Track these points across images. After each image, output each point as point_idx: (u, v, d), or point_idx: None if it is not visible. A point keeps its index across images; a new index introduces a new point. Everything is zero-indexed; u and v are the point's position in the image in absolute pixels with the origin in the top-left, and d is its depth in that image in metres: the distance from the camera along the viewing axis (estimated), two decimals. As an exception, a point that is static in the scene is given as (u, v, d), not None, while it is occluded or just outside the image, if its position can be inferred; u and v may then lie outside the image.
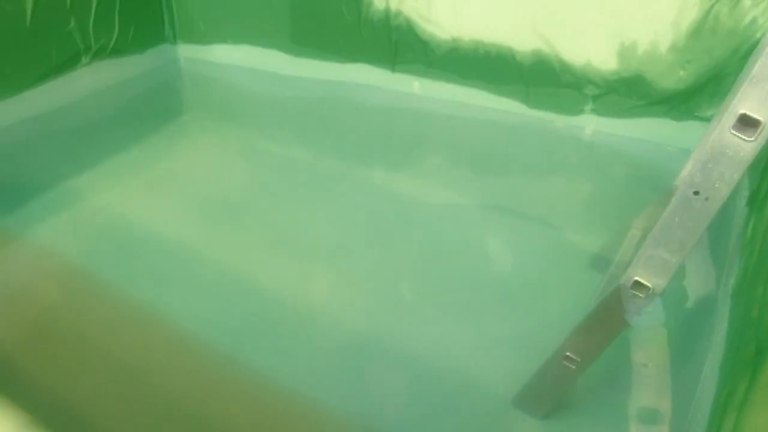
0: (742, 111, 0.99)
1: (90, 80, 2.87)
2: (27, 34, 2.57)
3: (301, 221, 2.07)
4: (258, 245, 1.96)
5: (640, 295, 1.20)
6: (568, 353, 1.36)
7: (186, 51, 3.22)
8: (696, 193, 1.06)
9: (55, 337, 1.62)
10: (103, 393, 1.47)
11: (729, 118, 1.00)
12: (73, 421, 1.33)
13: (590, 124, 2.44)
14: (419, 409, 1.43)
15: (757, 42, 2.07)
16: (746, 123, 0.99)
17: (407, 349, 1.57)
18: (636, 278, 1.18)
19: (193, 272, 1.84)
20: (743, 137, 1.00)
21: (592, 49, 2.33)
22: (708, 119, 2.22)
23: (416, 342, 1.58)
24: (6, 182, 2.30)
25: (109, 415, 1.41)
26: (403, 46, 2.66)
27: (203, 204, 2.16)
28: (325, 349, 1.58)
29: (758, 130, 0.99)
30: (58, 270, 1.87)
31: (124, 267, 1.87)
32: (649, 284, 1.18)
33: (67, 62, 2.77)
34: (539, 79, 2.45)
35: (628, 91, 2.33)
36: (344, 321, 1.66)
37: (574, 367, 1.35)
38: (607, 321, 1.32)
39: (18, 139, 2.54)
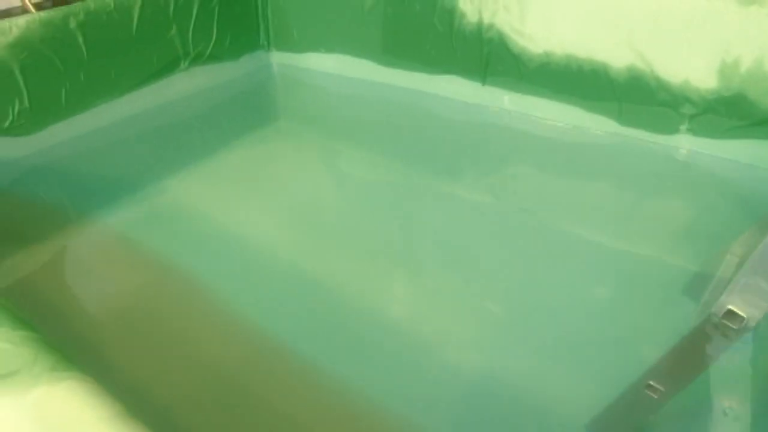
0: None
1: (187, 84, 2.99)
2: (132, 41, 2.71)
3: (383, 231, 2.07)
4: (338, 253, 1.97)
5: (733, 326, 1.14)
6: (651, 382, 1.31)
7: (279, 58, 3.30)
8: (801, 221, 1.00)
9: (133, 323, 1.70)
10: (175, 380, 1.52)
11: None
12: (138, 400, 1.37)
13: (685, 144, 2.35)
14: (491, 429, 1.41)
15: None
16: None
17: (483, 369, 1.55)
18: (729, 307, 1.13)
19: (272, 275, 1.87)
20: None
21: (691, 66, 2.25)
22: (815, 143, 2.11)
23: (493, 362, 1.56)
24: (106, 176, 2.42)
25: (177, 399, 1.47)
26: (494, 59, 2.64)
27: (287, 209, 2.20)
28: (397, 359, 1.58)
29: None
30: (143, 261, 1.95)
31: (204, 263, 1.92)
32: (743, 314, 1.12)
33: (167, 67, 2.90)
34: (633, 96, 2.38)
35: (728, 111, 2.23)
36: (421, 335, 1.65)
37: (656, 396, 1.30)
38: (696, 351, 1.27)
39: (119, 138, 2.68)
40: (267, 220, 2.14)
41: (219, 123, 2.88)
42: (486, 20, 2.58)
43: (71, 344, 1.52)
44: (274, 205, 2.23)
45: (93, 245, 2.05)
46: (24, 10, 2.79)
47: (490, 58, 2.64)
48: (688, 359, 1.26)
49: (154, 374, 1.54)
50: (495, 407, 1.45)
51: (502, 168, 2.46)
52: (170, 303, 1.78)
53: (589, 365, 1.55)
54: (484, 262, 1.92)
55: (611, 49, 2.36)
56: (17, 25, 2.34)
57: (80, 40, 2.53)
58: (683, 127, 2.33)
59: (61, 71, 2.51)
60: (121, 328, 1.69)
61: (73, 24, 2.50)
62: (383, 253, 1.98)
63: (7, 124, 2.41)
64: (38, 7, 2.75)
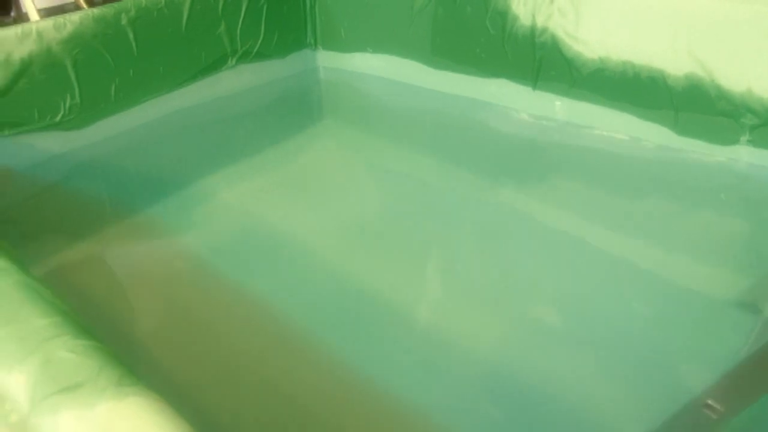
0: None
1: (233, 82, 2.99)
2: (181, 37, 2.72)
3: (424, 235, 2.04)
4: (380, 256, 1.95)
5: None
6: (709, 401, 1.28)
7: (325, 58, 3.29)
8: None
9: (175, 320, 1.71)
10: (216, 376, 1.53)
11: None
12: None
13: (745, 157, 2.27)
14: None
15: None
16: None
17: (524, 379, 1.50)
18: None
19: (312, 275, 1.86)
20: None
21: (754, 75, 2.17)
22: None
23: (535, 374, 1.51)
24: (152, 172, 2.46)
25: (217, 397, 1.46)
26: (546, 64, 2.58)
27: (328, 211, 2.19)
28: (441, 367, 1.55)
29: None
30: (187, 258, 1.95)
31: (245, 261, 1.93)
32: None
33: (214, 64, 2.91)
34: (691, 105, 2.31)
35: (793, 123, 2.16)
36: (464, 342, 1.62)
37: (715, 416, 1.27)
38: (760, 373, 1.23)
39: (165, 134, 2.71)
40: (308, 220, 2.13)
41: (264, 121, 2.87)
42: (540, 24, 2.53)
43: (114, 341, 1.52)
44: (316, 206, 2.21)
45: (138, 241, 2.06)
46: (77, 6, 2.82)
47: (543, 62, 2.59)
48: (752, 379, 1.23)
49: (196, 374, 1.54)
50: (535, 420, 1.41)
51: (550, 175, 2.40)
52: (212, 301, 1.78)
53: (640, 381, 1.49)
54: (526, 271, 1.87)
55: (670, 56, 2.30)
56: (71, 21, 2.36)
57: (131, 36, 2.55)
58: (743, 139, 2.25)
59: (111, 67, 2.53)
60: (162, 325, 1.70)
61: (124, 20, 2.51)
62: (423, 256, 1.95)
63: (58, 118, 2.44)
64: (90, 2, 2.78)
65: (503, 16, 2.62)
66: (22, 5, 2.83)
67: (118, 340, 1.62)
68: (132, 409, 0.73)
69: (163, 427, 0.70)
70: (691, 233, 2.02)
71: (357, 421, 1.43)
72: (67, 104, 2.45)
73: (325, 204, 2.23)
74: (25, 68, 2.30)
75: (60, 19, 2.35)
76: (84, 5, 2.71)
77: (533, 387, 1.48)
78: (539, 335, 1.64)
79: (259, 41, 3.03)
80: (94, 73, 2.49)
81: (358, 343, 1.63)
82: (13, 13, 2.94)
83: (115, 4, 2.49)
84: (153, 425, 0.70)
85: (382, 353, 1.60)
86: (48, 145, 2.45)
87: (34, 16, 2.71)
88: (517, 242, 2.00)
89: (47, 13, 2.82)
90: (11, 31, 2.25)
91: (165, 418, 0.72)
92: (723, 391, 1.30)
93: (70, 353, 0.82)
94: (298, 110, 3.02)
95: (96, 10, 2.43)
